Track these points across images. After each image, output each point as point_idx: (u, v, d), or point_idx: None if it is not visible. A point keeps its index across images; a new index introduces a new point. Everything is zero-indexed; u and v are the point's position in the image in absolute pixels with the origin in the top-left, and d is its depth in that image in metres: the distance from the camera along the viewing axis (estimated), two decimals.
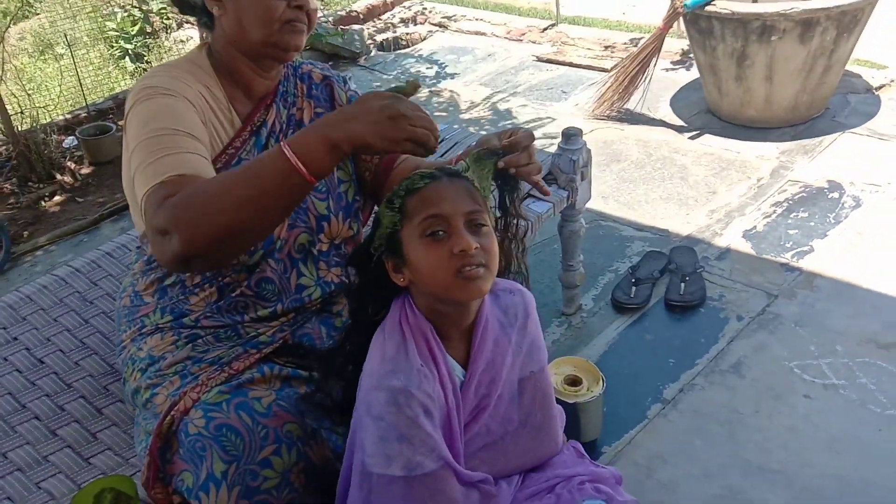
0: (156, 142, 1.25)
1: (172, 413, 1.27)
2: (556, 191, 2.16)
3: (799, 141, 3.28)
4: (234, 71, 1.43)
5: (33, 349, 1.71)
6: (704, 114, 3.59)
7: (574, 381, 1.95)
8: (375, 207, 1.53)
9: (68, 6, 5.31)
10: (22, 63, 5.47)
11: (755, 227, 2.79)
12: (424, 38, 5.06)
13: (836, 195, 2.90)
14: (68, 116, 4.11)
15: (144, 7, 5.04)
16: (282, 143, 1.13)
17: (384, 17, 5.47)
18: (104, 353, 1.70)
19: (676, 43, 4.16)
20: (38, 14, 6.69)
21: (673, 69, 4.07)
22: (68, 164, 3.67)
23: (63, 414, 1.56)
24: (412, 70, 4.60)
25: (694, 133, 3.46)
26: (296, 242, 1.45)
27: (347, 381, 1.21)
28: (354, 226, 1.53)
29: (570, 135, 2.14)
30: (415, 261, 1.12)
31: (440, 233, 1.11)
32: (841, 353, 2.20)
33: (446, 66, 4.59)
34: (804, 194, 2.93)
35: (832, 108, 3.47)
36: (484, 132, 3.63)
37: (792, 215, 2.82)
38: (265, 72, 1.44)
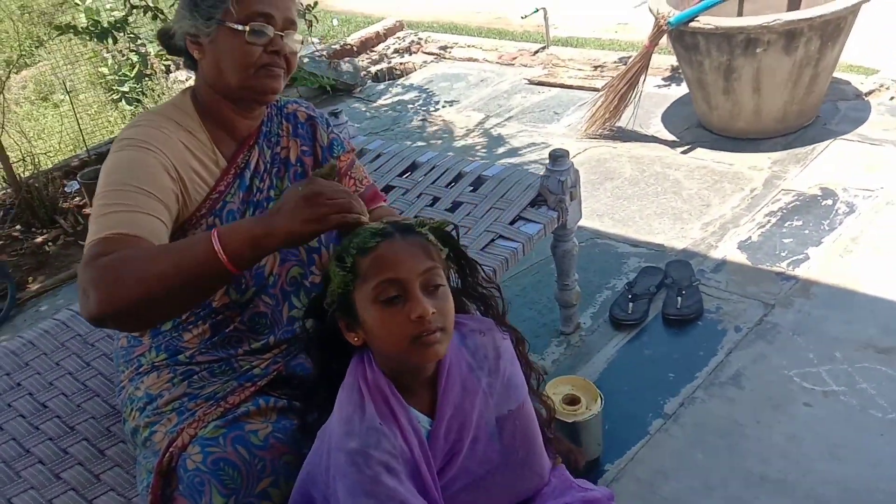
0: (113, 195, 1.27)
1: (171, 450, 1.29)
2: (546, 212, 2.19)
3: (790, 150, 3.31)
4: (217, 113, 1.45)
5: (36, 394, 1.74)
6: (695, 128, 3.62)
7: (572, 401, 1.96)
8: None
9: (68, 52, 5.41)
10: (24, 110, 5.56)
11: (750, 237, 2.81)
12: (419, 67, 5.13)
13: (829, 202, 2.92)
14: (69, 161, 4.16)
15: (143, 50, 5.13)
16: (213, 230, 1.15)
17: (378, 48, 5.55)
18: (105, 395, 1.72)
19: (666, 59, 4.20)
20: (38, 62, 6.81)
21: (665, 85, 4.11)
22: (70, 207, 3.72)
23: (66, 457, 1.58)
24: (406, 99, 4.65)
25: (686, 147, 3.49)
26: (288, 276, 1.47)
27: (322, 412, 1.22)
28: None
29: (557, 156, 2.17)
30: (369, 324, 1.12)
31: (395, 297, 1.09)
32: (840, 360, 2.21)
33: (440, 93, 4.65)
34: (798, 203, 2.95)
35: (822, 115, 3.50)
36: (479, 156, 3.68)
37: (786, 224, 2.84)
38: (247, 113, 1.47)
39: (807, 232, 2.77)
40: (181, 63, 5.41)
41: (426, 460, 1.14)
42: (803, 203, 2.94)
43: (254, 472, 1.26)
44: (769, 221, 2.88)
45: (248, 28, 1.35)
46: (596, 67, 4.50)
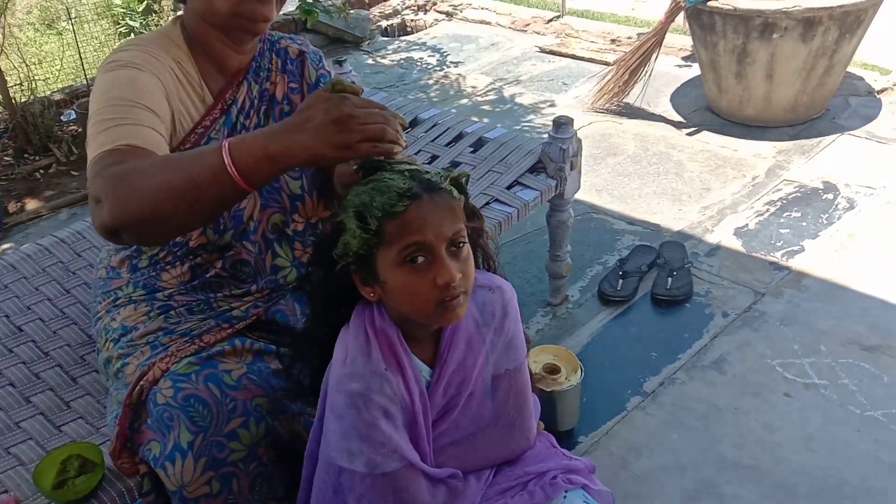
0: (112, 110, 1.22)
1: (142, 383, 1.27)
2: (544, 180, 2.15)
3: (797, 141, 3.27)
4: (207, 45, 1.39)
5: (13, 317, 1.72)
6: (704, 111, 3.58)
7: (553, 370, 1.95)
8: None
9: None
10: (27, 37, 5.47)
11: (747, 224, 2.78)
12: (429, 26, 5.05)
13: (830, 196, 2.89)
14: (68, 89, 4.10)
15: None
16: (224, 142, 1.07)
17: (390, 2, 5.45)
18: (83, 324, 1.70)
19: (680, 39, 4.14)
20: None
21: (677, 65, 4.04)
22: (65, 136, 3.67)
23: (38, 382, 1.56)
24: (414, 56, 4.58)
25: (692, 129, 3.45)
26: (269, 223, 1.44)
27: (314, 368, 1.20)
28: (330, 205, 1.51)
29: (561, 124, 2.13)
30: (391, 285, 1.07)
31: (421, 260, 1.05)
32: (824, 353, 2.20)
33: (449, 53, 4.58)
34: (798, 194, 2.92)
35: (832, 109, 3.46)
36: (482, 119, 3.63)
37: (785, 215, 2.81)
38: (238, 45, 1.41)
39: (805, 224, 2.75)
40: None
41: (424, 411, 1.13)
42: (804, 195, 2.92)
43: (224, 411, 1.24)
44: (768, 210, 2.85)
45: None
46: (610, 41, 4.43)
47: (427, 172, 1.09)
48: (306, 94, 1.50)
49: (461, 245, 1.08)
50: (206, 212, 1.13)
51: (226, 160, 1.05)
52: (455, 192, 1.10)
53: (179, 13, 1.44)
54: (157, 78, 1.30)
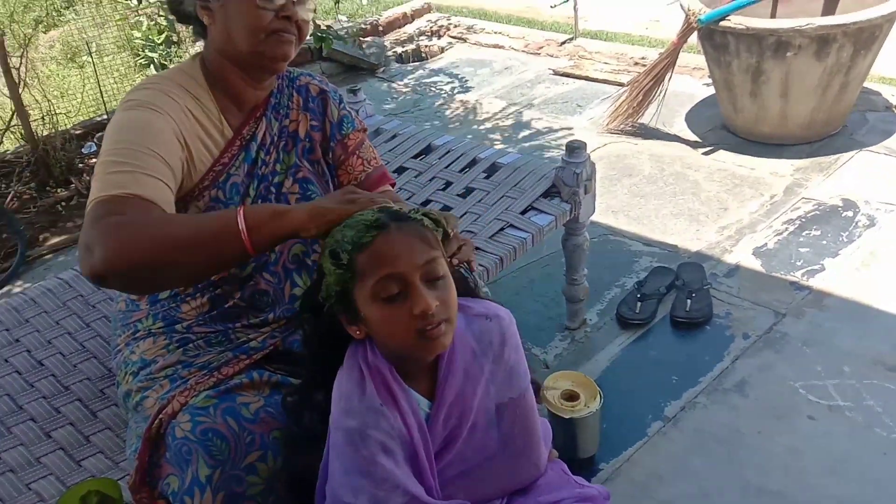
0: (123, 153, 1.24)
1: (161, 416, 1.28)
2: (558, 204, 2.15)
3: (814, 158, 3.25)
4: (226, 81, 1.42)
5: (34, 351, 1.74)
6: (719, 130, 3.57)
7: (571, 396, 1.94)
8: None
9: (97, 14, 5.41)
10: (49, 70, 5.57)
11: (766, 244, 2.76)
12: (443, 51, 5.09)
13: (849, 214, 2.86)
14: (88, 122, 4.17)
15: (171, 17, 5.12)
16: (240, 207, 1.15)
17: (405, 29, 5.50)
18: (102, 357, 1.72)
19: (694, 58, 4.13)
20: (67, 22, 6.83)
21: (691, 85, 4.04)
22: (86, 168, 3.72)
23: (58, 416, 1.57)
24: (428, 81, 4.62)
25: (708, 149, 3.43)
26: (290, 253, 1.45)
27: (322, 412, 1.19)
28: None
29: (574, 148, 2.14)
30: (371, 321, 1.08)
31: (397, 294, 1.06)
32: (848, 375, 2.17)
33: (463, 78, 4.60)
34: (817, 212, 2.90)
35: (849, 125, 3.43)
36: (496, 144, 3.64)
37: (804, 233, 2.79)
38: (256, 82, 1.44)
39: (825, 242, 2.72)
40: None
41: (425, 444, 1.13)
42: (823, 213, 2.89)
43: (242, 444, 1.24)
44: (787, 229, 2.83)
45: None
46: (623, 62, 4.44)
47: (400, 209, 1.13)
48: (328, 132, 1.54)
49: (438, 278, 1.08)
50: (201, 269, 1.18)
51: (239, 217, 1.12)
52: (426, 222, 1.11)
53: (199, 51, 1.47)
54: (173, 121, 1.32)
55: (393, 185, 1.62)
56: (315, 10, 1.42)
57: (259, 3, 1.33)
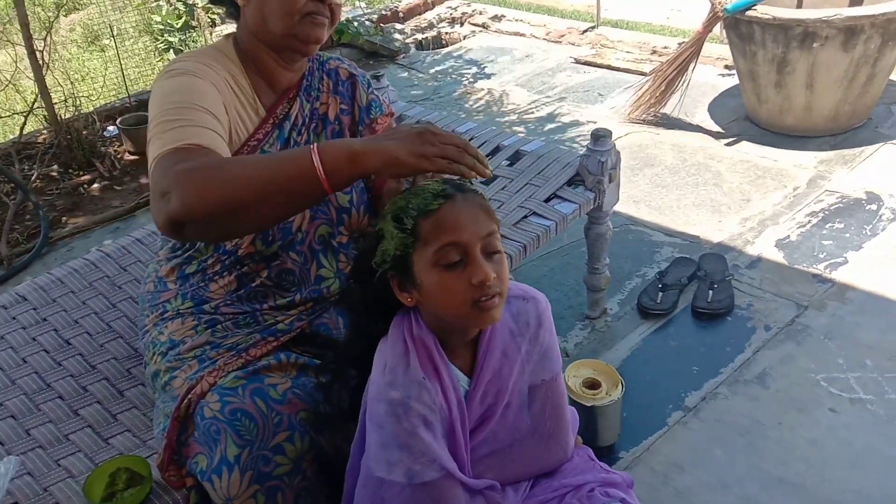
0: (174, 112, 1.25)
1: (189, 396, 1.29)
2: (582, 192, 2.15)
3: (838, 151, 3.22)
4: (259, 62, 1.43)
5: (61, 330, 1.76)
6: (742, 121, 3.54)
7: (593, 385, 1.94)
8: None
9: None
10: (70, 53, 5.61)
11: (788, 236, 2.74)
12: (464, 38, 5.07)
13: (873, 207, 2.84)
14: (110, 105, 4.19)
15: (189, 1, 5.13)
16: (313, 144, 1.12)
17: (425, 16, 5.48)
18: (129, 337, 1.73)
19: (718, 49, 4.10)
20: (88, 6, 6.86)
21: (715, 75, 4.00)
22: (108, 152, 3.75)
23: (86, 395, 1.59)
24: (449, 69, 4.60)
25: (731, 140, 3.41)
26: (316, 234, 1.46)
27: (353, 389, 1.21)
28: (374, 220, 1.53)
29: (599, 136, 2.13)
30: (427, 287, 1.09)
31: (456, 259, 1.07)
32: (870, 368, 2.15)
33: (484, 66, 4.59)
34: (841, 205, 2.88)
35: (875, 118, 3.40)
36: (518, 132, 3.63)
37: (827, 226, 2.77)
38: (288, 64, 1.45)
39: (848, 235, 2.70)
40: (225, 17, 5.43)
41: (462, 420, 1.14)
42: (846, 206, 2.87)
43: (270, 425, 1.25)
44: (810, 221, 2.81)
45: None
46: (645, 51, 4.41)
47: (460, 180, 1.13)
48: (357, 116, 1.55)
49: (496, 251, 1.10)
50: (281, 209, 1.16)
51: (314, 156, 1.10)
52: (487, 197, 1.13)
53: (232, 31, 1.48)
54: (214, 86, 1.34)
55: None
56: None
57: None
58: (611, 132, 2.15)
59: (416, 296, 1.12)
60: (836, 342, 2.25)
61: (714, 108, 3.69)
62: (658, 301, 2.48)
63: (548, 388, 1.22)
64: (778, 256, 2.65)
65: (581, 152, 2.21)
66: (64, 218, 3.34)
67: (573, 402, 1.90)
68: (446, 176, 1.14)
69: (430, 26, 5.28)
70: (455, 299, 1.08)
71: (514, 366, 1.19)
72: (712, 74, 4.00)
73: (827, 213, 2.84)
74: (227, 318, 1.41)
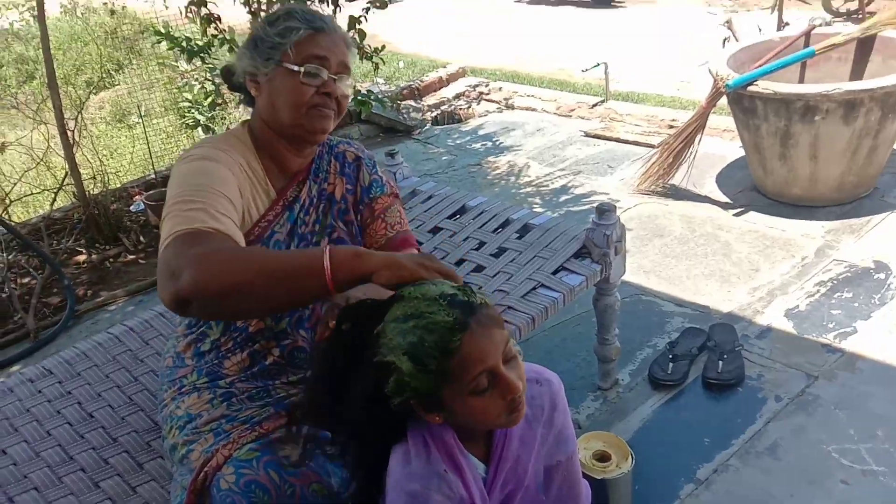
0: (191, 194, 1.33)
1: (206, 469, 1.34)
2: (589, 265, 2.21)
3: (845, 220, 3.27)
4: (271, 148, 1.53)
5: (84, 403, 1.82)
6: (750, 191, 3.61)
7: (603, 457, 1.96)
8: None
9: (146, 78, 5.67)
10: (99, 130, 5.83)
11: (798, 306, 2.77)
12: (477, 114, 5.23)
13: (881, 276, 2.87)
14: (137, 181, 4.35)
15: (217, 81, 5.34)
16: (327, 249, 1.19)
17: (441, 92, 5.67)
18: (149, 410, 1.79)
19: (724, 120, 4.20)
20: (117, 85, 7.15)
21: (721, 147, 4.09)
22: (134, 226, 3.87)
23: (107, 467, 1.64)
24: (463, 143, 4.74)
25: (738, 210, 3.47)
26: (324, 310, 1.52)
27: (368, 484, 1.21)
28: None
29: (604, 210, 2.20)
30: (461, 411, 1.11)
31: (486, 383, 1.09)
32: (882, 439, 2.15)
33: (496, 140, 4.72)
34: (849, 274, 2.91)
35: (881, 187, 3.45)
36: (533, 202, 3.72)
37: (836, 295, 2.80)
38: (298, 150, 1.55)
39: (856, 305, 2.73)
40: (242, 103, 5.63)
41: None
42: (855, 275, 2.90)
43: (283, 496, 1.29)
44: (818, 291, 2.84)
45: (303, 69, 1.44)
46: (653, 124, 4.52)
47: (460, 291, 1.12)
48: (359, 195, 1.63)
49: (512, 352, 1.12)
50: (284, 300, 1.22)
51: (325, 252, 1.17)
52: (488, 300, 1.14)
53: (247, 118, 1.58)
54: (230, 170, 1.43)
55: (418, 250, 1.68)
56: (354, 87, 1.52)
57: (302, 80, 1.44)
58: (615, 206, 2.22)
59: (445, 416, 1.13)
60: (846, 412, 2.26)
61: (722, 179, 3.77)
62: (669, 372, 2.50)
63: (563, 468, 1.24)
64: (787, 326, 2.68)
65: (588, 226, 2.27)
66: (89, 291, 3.44)
67: (583, 476, 1.92)
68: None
69: (446, 102, 5.45)
70: (490, 416, 1.11)
71: (531, 452, 1.21)
72: (719, 146, 4.09)
73: (835, 282, 2.88)
74: (242, 392, 1.47)
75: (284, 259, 1.22)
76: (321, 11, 1.53)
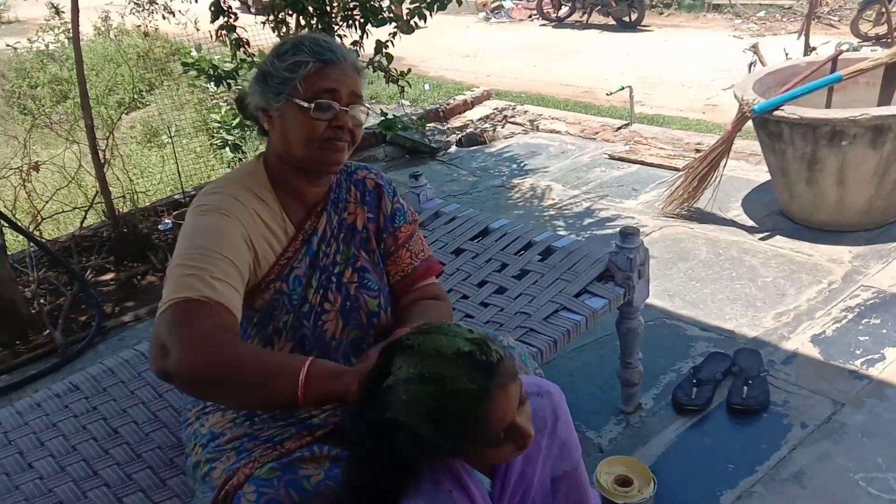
0: (195, 257, 1.34)
1: (227, 487, 1.35)
2: (612, 288, 2.20)
3: (873, 245, 3.23)
4: (286, 181, 1.51)
5: (110, 419, 1.85)
6: (776, 215, 3.58)
7: (625, 482, 1.94)
8: None
9: (176, 98, 5.78)
10: (129, 150, 5.94)
11: (824, 331, 2.74)
12: (502, 137, 5.25)
13: None
14: (165, 201, 4.42)
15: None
16: (309, 361, 1.24)
17: (466, 115, 5.72)
18: (173, 427, 1.81)
19: (750, 144, 4.19)
20: (148, 105, 7.29)
21: (747, 171, 4.07)
22: (162, 245, 3.93)
23: (130, 483, 1.66)
24: (487, 165, 4.76)
25: (764, 234, 3.45)
26: (349, 340, 1.54)
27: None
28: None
29: (628, 234, 2.19)
30: (473, 459, 1.16)
31: (504, 437, 1.11)
32: None
33: (520, 162, 4.74)
34: (877, 300, 2.87)
35: None
36: (557, 225, 3.72)
37: (863, 321, 2.76)
38: (315, 181, 1.53)
39: (885, 331, 2.69)
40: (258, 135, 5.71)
41: None
42: (882, 301, 2.86)
43: None
44: (846, 317, 2.80)
45: (313, 105, 1.41)
46: (678, 147, 4.51)
47: (476, 347, 1.11)
48: (382, 223, 1.62)
49: (525, 397, 1.14)
50: (254, 401, 1.31)
51: (300, 375, 1.22)
52: (502, 352, 1.14)
53: (262, 150, 1.57)
54: (241, 224, 1.42)
55: (440, 273, 1.70)
56: (367, 114, 1.50)
57: (313, 115, 1.41)
58: (639, 230, 2.21)
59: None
60: (874, 440, 2.22)
61: (748, 203, 3.75)
62: (693, 397, 2.47)
63: (569, 478, 1.26)
64: (814, 352, 2.64)
65: (611, 249, 2.27)
66: (117, 308, 3.49)
67: (604, 500, 1.91)
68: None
69: (471, 125, 5.49)
70: (500, 458, 1.15)
71: (536, 465, 1.22)
72: (746, 169, 4.07)
73: (863, 308, 2.84)
74: (265, 412, 1.48)
75: (264, 363, 1.25)
76: (331, 41, 1.50)
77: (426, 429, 1.09)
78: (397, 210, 1.65)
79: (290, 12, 3.61)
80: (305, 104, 1.41)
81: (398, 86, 3.88)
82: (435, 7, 3.65)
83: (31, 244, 3.65)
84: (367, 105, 1.50)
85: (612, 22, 9.14)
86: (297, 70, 1.42)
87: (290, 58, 1.43)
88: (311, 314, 1.50)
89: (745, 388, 2.46)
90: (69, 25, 4.54)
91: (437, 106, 5.73)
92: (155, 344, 1.26)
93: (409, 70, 3.97)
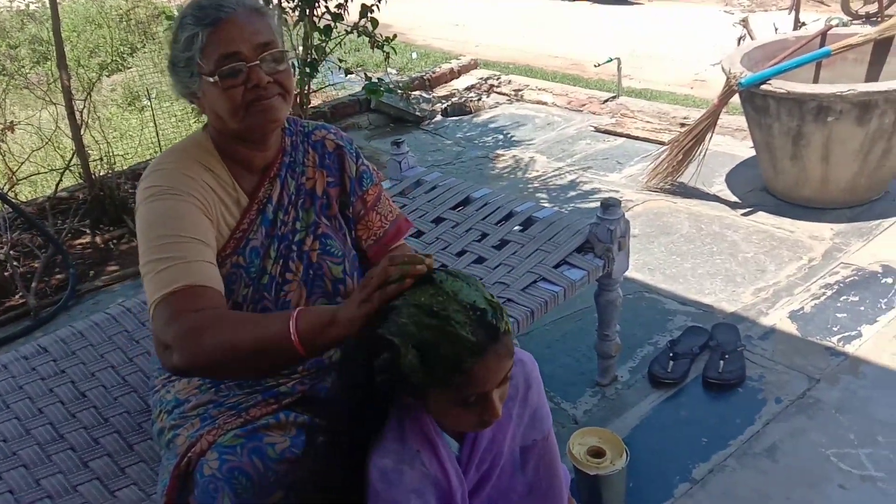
0: (161, 249, 1.31)
1: (190, 454, 1.33)
2: (592, 259, 2.18)
3: (855, 223, 3.22)
4: (231, 150, 1.46)
5: (77, 382, 1.82)
6: (759, 191, 3.57)
7: (597, 453, 1.94)
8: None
9: (158, 61, 5.67)
10: (111, 113, 5.84)
11: (802, 308, 2.74)
12: (488, 107, 5.20)
13: (889, 280, 2.83)
14: (144, 164, 4.34)
15: None
16: (295, 311, 1.20)
17: (452, 84, 5.64)
18: (142, 392, 1.78)
19: (736, 119, 4.16)
20: (130, 68, 7.15)
21: (732, 145, 4.05)
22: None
23: (97, 447, 1.64)
24: (472, 135, 4.71)
25: (747, 210, 3.43)
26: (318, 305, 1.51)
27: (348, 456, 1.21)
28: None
29: (609, 205, 2.17)
30: (438, 411, 1.14)
31: (473, 399, 1.10)
32: (882, 444, 2.12)
33: (506, 132, 4.69)
34: (856, 278, 2.87)
35: (892, 190, 3.41)
36: (540, 198, 3.69)
37: (842, 298, 2.76)
38: (260, 146, 1.46)
39: (862, 309, 2.69)
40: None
41: (462, 490, 1.17)
42: (862, 279, 2.86)
43: (266, 483, 1.28)
44: (824, 294, 2.80)
45: (216, 77, 1.33)
46: (665, 121, 4.48)
47: (492, 308, 1.10)
48: (347, 187, 1.57)
49: (508, 377, 1.12)
50: (264, 367, 1.30)
51: (291, 327, 1.19)
52: (510, 326, 1.13)
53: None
54: (196, 199, 1.38)
55: (408, 232, 1.65)
56: (286, 52, 1.39)
57: (223, 86, 1.34)
58: (620, 201, 2.19)
59: (423, 405, 1.15)
60: (847, 417, 2.23)
61: (731, 178, 3.73)
62: (669, 370, 2.47)
63: (540, 447, 1.25)
64: (791, 328, 2.64)
65: (592, 221, 2.25)
66: (92, 272, 3.45)
67: (577, 471, 1.91)
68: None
69: (457, 94, 5.42)
70: (460, 423, 1.15)
71: (506, 431, 1.21)
72: (730, 145, 4.05)
73: (842, 285, 2.84)
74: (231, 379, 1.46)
75: (257, 336, 1.22)
76: None
77: (410, 357, 1.07)
78: (363, 172, 1.60)
79: None
80: (212, 79, 1.34)
81: (383, 52, 3.81)
82: None
83: (5, 206, 3.58)
84: (282, 47, 1.40)
85: None
86: (192, 46, 1.34)
87: (181, 35, 1.36)
88: (271, 285, 1.47)
89: (722, 362, 2.47)
90: None
91: (423, 74, 5.65)
92: (157, 344, 1.30)
93: (395, 36, 3.89)
